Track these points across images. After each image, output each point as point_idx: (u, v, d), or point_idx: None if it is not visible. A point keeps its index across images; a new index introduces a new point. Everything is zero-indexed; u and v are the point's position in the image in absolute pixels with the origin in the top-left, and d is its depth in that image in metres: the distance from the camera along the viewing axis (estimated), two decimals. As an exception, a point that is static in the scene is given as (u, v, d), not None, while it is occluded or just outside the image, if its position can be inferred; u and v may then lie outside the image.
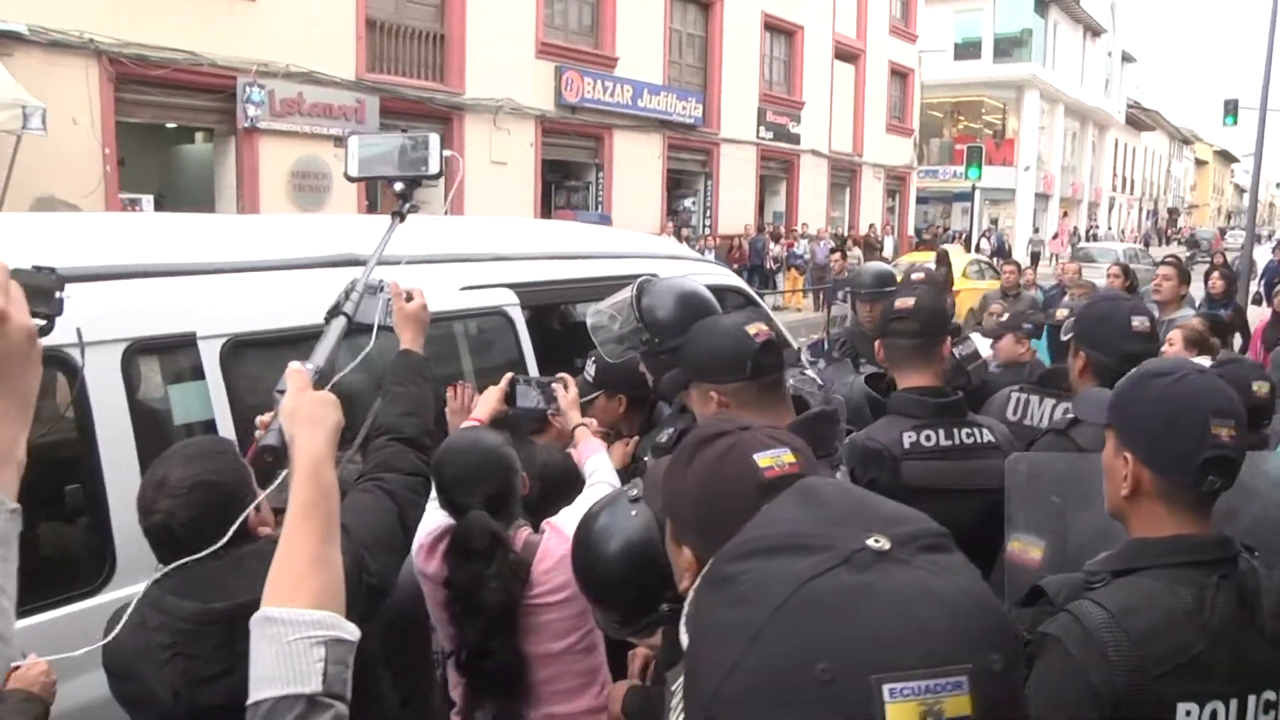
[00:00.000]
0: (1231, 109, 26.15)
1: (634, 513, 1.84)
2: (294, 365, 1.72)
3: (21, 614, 2.29)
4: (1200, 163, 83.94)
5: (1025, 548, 2.11)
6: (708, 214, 24.30)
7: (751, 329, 2.22)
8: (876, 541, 0.74)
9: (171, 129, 15.58)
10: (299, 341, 2.72)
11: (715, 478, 1.36)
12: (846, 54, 29.24)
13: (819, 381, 3.09)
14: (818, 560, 0.73)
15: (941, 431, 2.69)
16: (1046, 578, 1.83)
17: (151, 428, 2.60)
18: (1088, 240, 44.04)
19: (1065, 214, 47.45)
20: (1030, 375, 4.44)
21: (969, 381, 3.97)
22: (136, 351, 2.61)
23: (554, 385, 3.04)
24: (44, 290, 1.19)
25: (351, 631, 1.25)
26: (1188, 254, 32.21)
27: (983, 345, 5.02)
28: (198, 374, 2.73)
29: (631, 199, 21.14)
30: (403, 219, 2.42)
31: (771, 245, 23.63)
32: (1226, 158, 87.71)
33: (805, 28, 26.83)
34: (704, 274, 4.34)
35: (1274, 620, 1.58)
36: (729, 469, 1.36)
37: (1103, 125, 55.02)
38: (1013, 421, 3.26)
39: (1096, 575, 1.67)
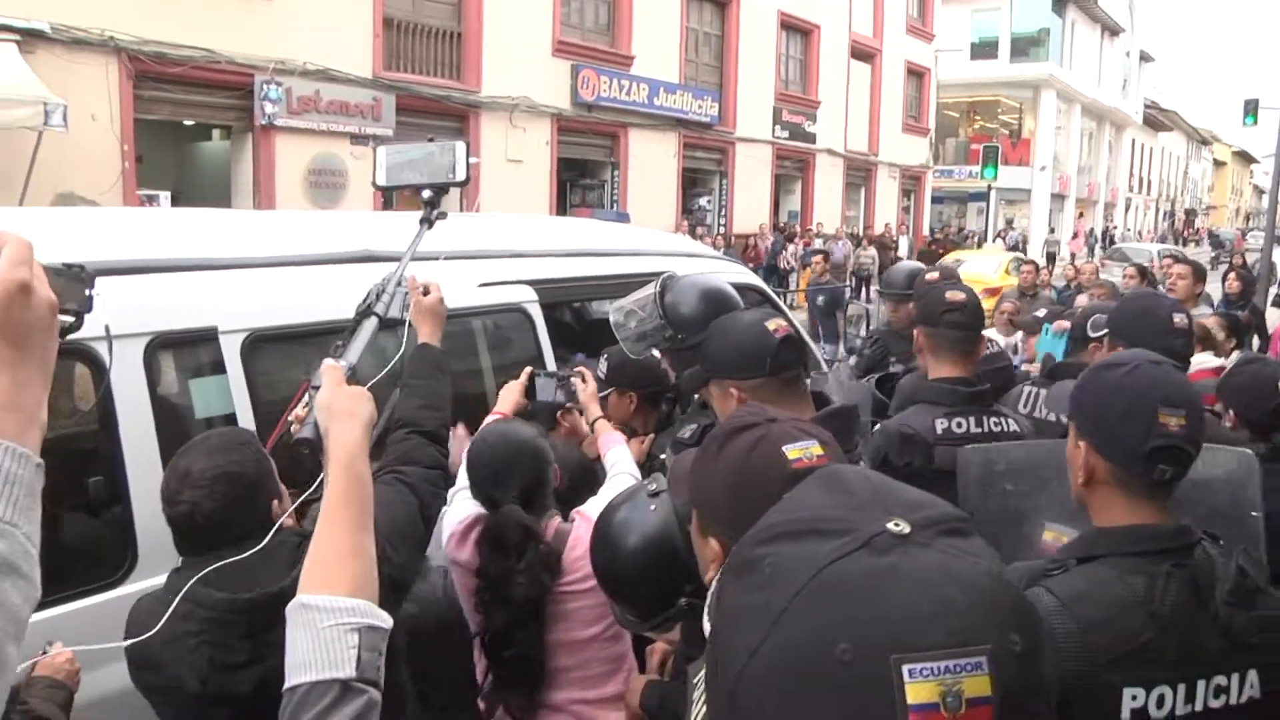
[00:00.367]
0: (1251, 109, 26.02)
1: (653, 507, 1.84)
2: (328, 361, 1.74)
3: (46, 605, 2.32)
4: (1219, 163, 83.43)
5: (1058, 537, 2.13)
6: (723, 213, 24.28)
7: (771, 325, 2.22)
8: (897, 525, 0.75)
9: (189, 126, 15.66)
10: (318, 336, 2.75)
11: (745, 468, 1.36)
12: (863, 53, 29.18)
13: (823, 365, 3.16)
14: (839, 544, 0.74)
15: (971, 419, 2.83)
16: (1012, 565, 1.83)
17: (173, 421, 2.63)
18: (1105, 242, 43.87)
19: (1081, 214, 47.21)
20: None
21: (1008, 381, 3.95)
22: (159, 346, 2.64)
23: (573, 379, 3.05)
24: (74, 287, 1.21)
25: (384, 619, 1.27)
26: (1212, 254, 32.02)
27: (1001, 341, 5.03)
28: (219, 368, 2.76)
29: (647, 197, 21.14)
30: (431, 225, 2.45)
31: (787, 245, 23.60)
32: (1245, 158, 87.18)
33: (821, 27, 26.79)
34: (722, 272, 4.33)
35: (1226, 608, 1.58)
36: (758, 460, 1.37)
37: (1120, 125, 54.71)
38: (1023, 415, 3.30)
39: (1057, 562, 1.71)
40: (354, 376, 1.84)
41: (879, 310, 6.83)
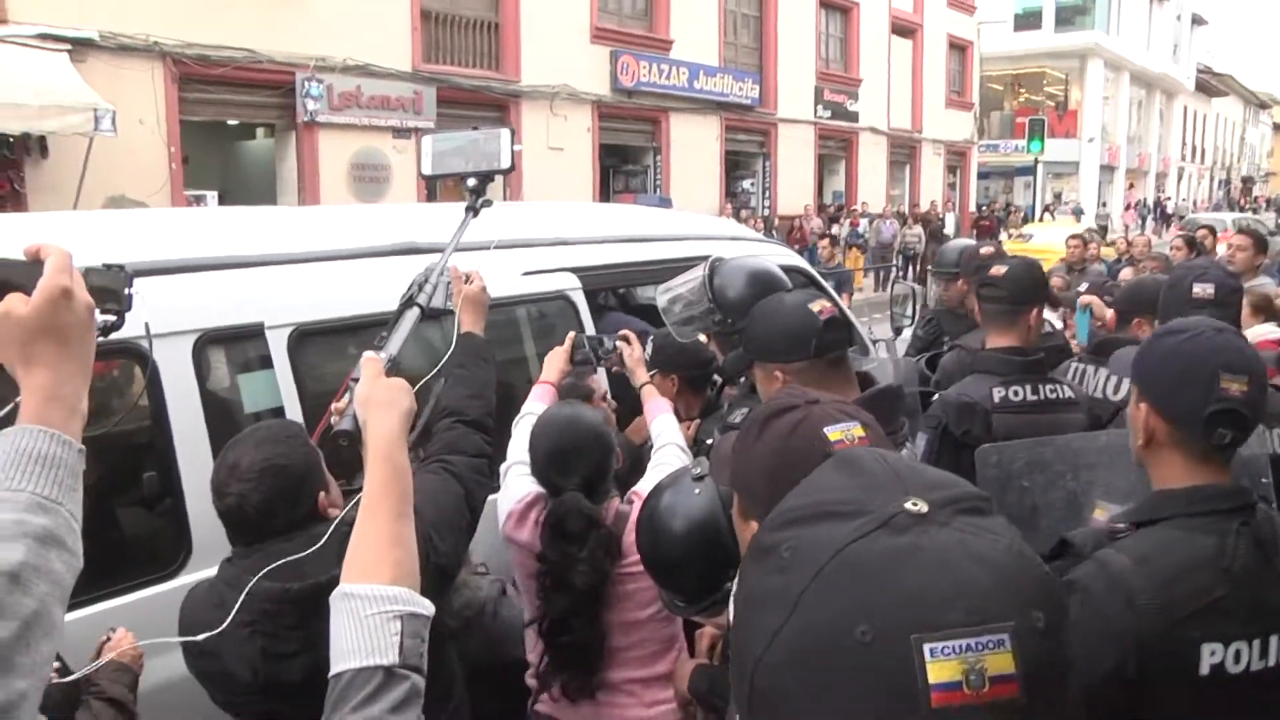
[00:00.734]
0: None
1: (697, 491, 1.83)
2: (368, 354, 1.75)
3: (105, 596, 2.38)
4: (1278, 128, 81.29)
5: (1106, 513, 2.16)
6: (766, 195, 24.14)
7: (815, 306, 2.20)
8: (915, 505, 0.74)
9: (233, 126, 15.87)
10: (363, 329, 2.78)
11: (785, 450, 1.35)
12: (903, 29, 28.82)
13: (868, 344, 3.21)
14: (856, 525, 0.73)
15: (1028, 387, 2.89)
16: (1073, 530, 1.88)
17: (222, 416, 2.66)
18: (1156, 213, 42.99)
19: (1131, 186, 46.34)
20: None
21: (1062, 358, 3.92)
22: (207, 342, 2.68)
23: (617, 342, 3.04)
24: (113, 287, 1.27)
25: (426, 607, 1.29)
26: (1277, 219, 31.24)
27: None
28: (266, 363, 2.79)
29: (689, 182, 21.07)
30: (476, 214, 2.45)
31: (833, 226, 23.41)
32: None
33: (861, 4, 26.47)
34: (766, 255, 4.31)
35: None
36: (799, 442, 1.35)
37: (1171, 92, 53.44)
38: None
39: (1120, 528, 1.74)
40: (395, 367, 1.84)
41: (931, 289, 6.74)
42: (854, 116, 26.64)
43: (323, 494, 2.00)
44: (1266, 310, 4.62)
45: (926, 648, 0.66)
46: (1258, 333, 4.01)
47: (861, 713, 0.68)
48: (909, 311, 5.76)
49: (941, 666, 0.66)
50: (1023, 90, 43.88)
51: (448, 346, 2.36)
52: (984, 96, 36.80)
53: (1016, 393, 2.87)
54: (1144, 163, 49.71)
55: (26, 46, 10.79)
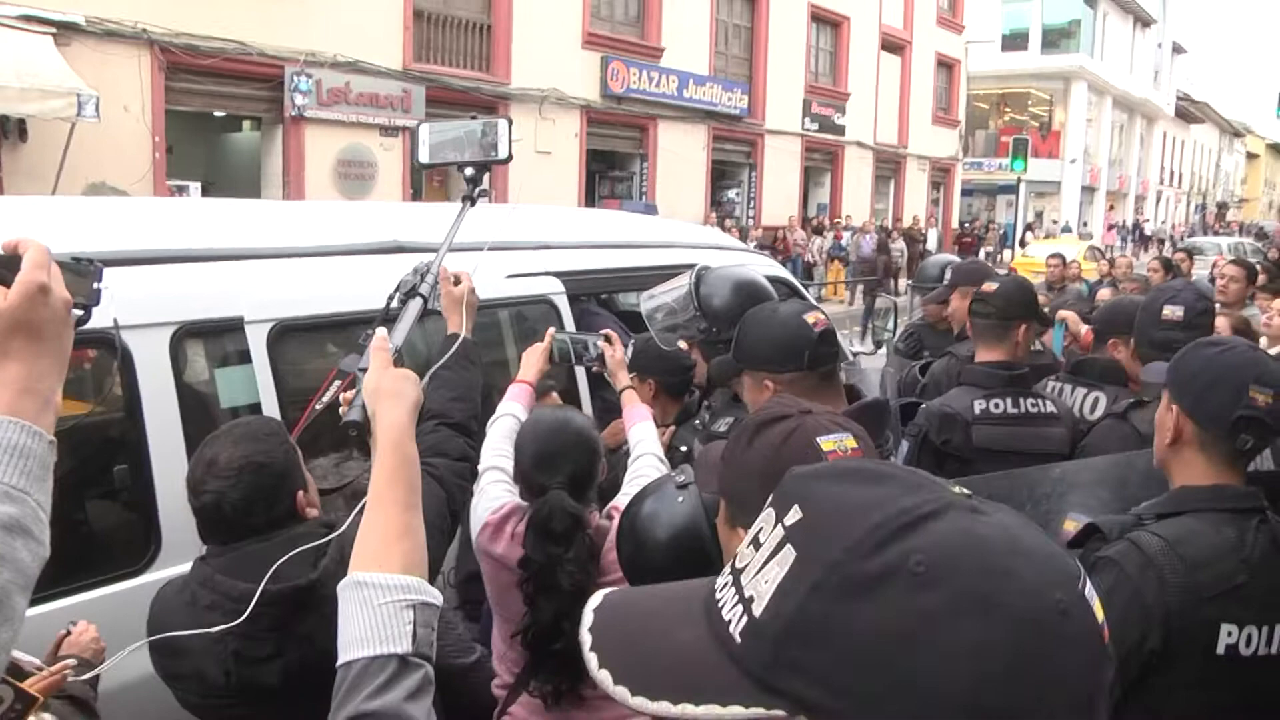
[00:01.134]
0: (1287, 101, 25.62)
1: (680, 499, 1.80)
2: (376, 342, 1.70)
3: (71, 591, 2.33)
4: (1251, 156, 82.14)
5: (1077, 525, 2.24)
6: (751, 205, 24.19)
7: (810, 318, 2.20)
8: (959, 489, 0.73)
9: (219, 117, 15.74)
10: (345, 327, 2.74)
11: (777, 459, 1.32)
12: (893, 45, 28.98)
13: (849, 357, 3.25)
14: (955, 516, 0.69)
15: (1009, 400, 2.99)
16: (1101, 517, 1.99)
17: (198, 410, 2.62)
18: (1135, 235, 43.37)
19: (1111, 207, 46.73)
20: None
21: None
22: (184, 335, 2.63)
23: (600, 342, 2.99)
24: (82, 281, 1.25)
25: (436, 596, 1.29)
26: (1255, 244, 31.61)
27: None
28: (244, 358, 2.75)
29: (675, 190, 21.10)
30: (473, 203, 2.43)
31: (816, 239, 23.48)
32: (1279, 151, 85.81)
33: (851, 18, 26.61)
34: (750, 264, 4.30)
35: None
36: (791, 452, 1.33)
37: (1151, 117, 54.04)
38: None
39: (1145, 519, 1.87)
40: (400, 359, 1.82)
41: (910, 303, 6.76)
42: (841, 130, 26.76)
43: (301, 493, 1.96)
44: (1244, 333, 4.70)
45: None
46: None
47: (1075, 682, 0.66)
48: (890, 325, 5.78)
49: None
50: (1008, 110, 44.19)
51: (431, 347, 2.33)
52: (970, 115, 37.05)
53: (997, 405, 2.97)
54: (1124, 185, 50.16)
55: (9, 28, 10.67)
